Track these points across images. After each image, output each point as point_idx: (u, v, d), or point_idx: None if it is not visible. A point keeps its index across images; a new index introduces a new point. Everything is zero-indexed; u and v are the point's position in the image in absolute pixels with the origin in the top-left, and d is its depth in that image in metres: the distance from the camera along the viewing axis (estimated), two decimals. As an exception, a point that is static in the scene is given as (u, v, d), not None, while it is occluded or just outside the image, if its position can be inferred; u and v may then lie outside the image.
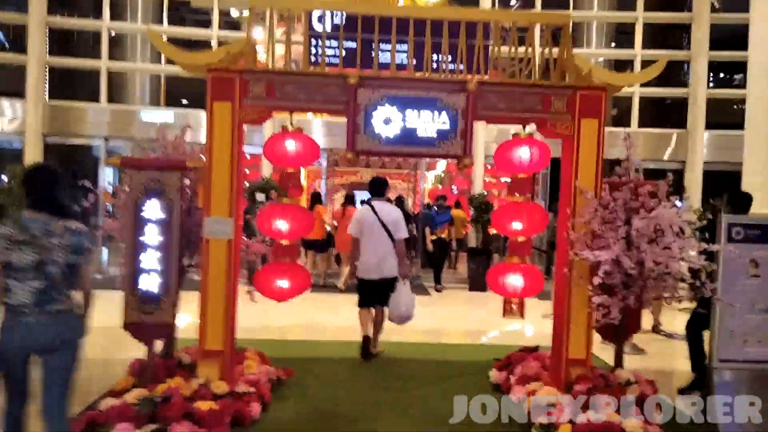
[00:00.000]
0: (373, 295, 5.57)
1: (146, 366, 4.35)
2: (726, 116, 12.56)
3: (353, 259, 5.77)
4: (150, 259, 4.37)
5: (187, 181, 4.64)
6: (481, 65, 4.67)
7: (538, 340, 6.25)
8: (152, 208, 4.37)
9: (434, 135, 4.48)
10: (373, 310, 5.65)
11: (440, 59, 4.73)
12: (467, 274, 10.55)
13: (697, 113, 11.49)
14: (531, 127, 4.74)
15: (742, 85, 12.92)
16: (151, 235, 4.36)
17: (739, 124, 11.80)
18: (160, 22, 13.05)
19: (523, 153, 4.68)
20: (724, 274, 4.23)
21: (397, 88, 4.50)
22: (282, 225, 4.59)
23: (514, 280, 4.77)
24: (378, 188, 5.82)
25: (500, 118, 4.71)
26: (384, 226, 5.52)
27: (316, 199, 10.23)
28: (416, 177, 13.12)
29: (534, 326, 7.01)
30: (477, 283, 10.29)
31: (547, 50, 4.67)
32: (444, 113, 4.48)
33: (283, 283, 4.64)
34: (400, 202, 10.12)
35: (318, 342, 6.57)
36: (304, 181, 17.80)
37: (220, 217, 4.39)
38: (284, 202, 4.71)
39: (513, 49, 4.74)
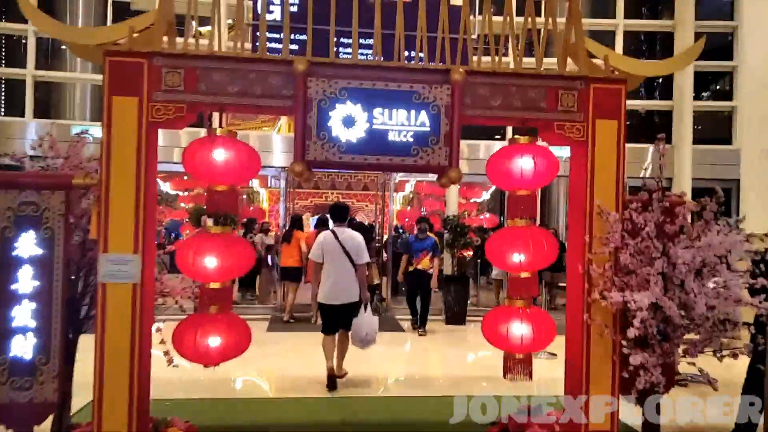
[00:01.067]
0: (336, 320, 5.48)
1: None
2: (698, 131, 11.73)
3: (315, 285, 5.67)
4: (22, 314, 3.19)
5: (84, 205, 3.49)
6: (469, 56, 3.66)
7: (536, 388, 5.24)
8: (25, 243, 3.21)
9: (410, 140, 3.40)
10: (336, 337, 5.52)
11: (413, 54, 3.68)
12: (443, 307, 9.32)
13: (684, 126, 10.71)
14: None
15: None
16: (23, 280, 3.19)
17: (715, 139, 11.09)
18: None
19: (525, 163, 3.62)
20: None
21: (361, 78, 3.40)
22: (209, 262, 3.39)
23: (519, 329, 3.64)
24: (339, 213, 5.77)
25: (494, 117, 3.63)
26: (345, 251, 5.43)
27: (295, 223, 9.33)
28: (385, 198, 12.00)
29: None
30: (455, 315, 9.19)
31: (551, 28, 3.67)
32: (423, 112, 3.42)
33: (212, 342, 3.42)
34: (356, 225, 8.90)
35: (276, 400, 5.35)
36: (266, 204, 16.55)
37: (121, 254, 3.20)
38: (212, 231, 3.50)
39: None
